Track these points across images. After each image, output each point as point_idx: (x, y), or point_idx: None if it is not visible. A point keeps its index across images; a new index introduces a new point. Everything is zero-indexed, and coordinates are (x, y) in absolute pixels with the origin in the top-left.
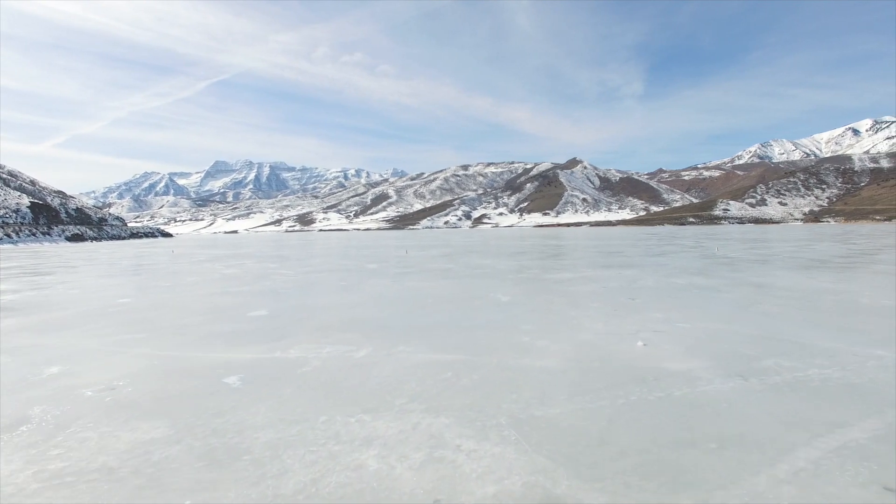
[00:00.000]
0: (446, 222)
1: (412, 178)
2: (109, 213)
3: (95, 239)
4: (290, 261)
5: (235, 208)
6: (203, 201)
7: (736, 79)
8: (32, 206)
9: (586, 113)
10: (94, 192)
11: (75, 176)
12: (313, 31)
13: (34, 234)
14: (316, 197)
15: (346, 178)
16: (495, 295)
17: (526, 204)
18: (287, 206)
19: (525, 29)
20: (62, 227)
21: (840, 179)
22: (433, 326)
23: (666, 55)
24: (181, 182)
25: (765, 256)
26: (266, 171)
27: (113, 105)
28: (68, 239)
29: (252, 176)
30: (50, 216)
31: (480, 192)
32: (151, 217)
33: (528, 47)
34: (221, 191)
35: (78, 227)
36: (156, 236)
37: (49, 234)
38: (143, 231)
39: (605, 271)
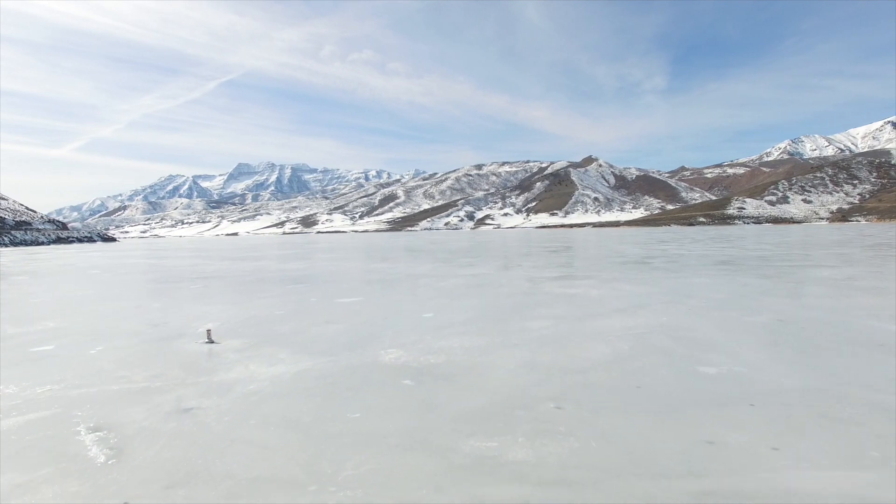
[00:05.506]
0: (447, 223)
1: (424, 179)
2: (42, 218)
3: None
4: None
5: (244, 210)
6: (218, 204)
7: (765, 70)
8: None
9: (606, 110)
10: (120, 195)
11: (102, 180)
12: (316, 27)
13: None
14: (326, 198)
15: (366, 178)
16: None
17: (534, 204)
18: (295, 207)
19: (534, 22)
20: None
21: (874, 174)
22: None
23: (688, 46)
24: (205, 185)
25: None
26: (288, 172)
27: (124, 108)
28: None
29: (274, 178)
30: None
31: (492, 191)
32: (161, 219)
33: (539, 42)
34: (243, 193)
35: None
36: (94, 241)
37: None
38: (77, 237)
39: None
